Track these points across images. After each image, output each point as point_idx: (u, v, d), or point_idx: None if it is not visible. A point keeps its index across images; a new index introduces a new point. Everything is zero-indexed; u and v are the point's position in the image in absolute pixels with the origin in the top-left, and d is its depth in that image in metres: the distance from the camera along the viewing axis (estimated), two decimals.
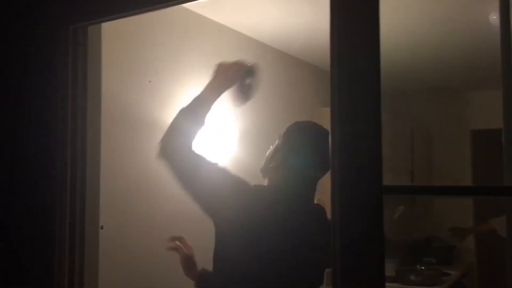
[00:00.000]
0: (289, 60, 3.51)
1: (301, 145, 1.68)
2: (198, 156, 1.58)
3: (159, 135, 2.34)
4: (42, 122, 1.49)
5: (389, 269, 3.50)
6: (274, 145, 1.74)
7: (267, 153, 1.77)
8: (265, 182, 1.73)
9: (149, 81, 2.30)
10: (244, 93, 1.69)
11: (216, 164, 1.60)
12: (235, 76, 1.66)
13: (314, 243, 1.61)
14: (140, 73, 2.28)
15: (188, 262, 1.75)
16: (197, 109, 1.62)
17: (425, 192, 0.84)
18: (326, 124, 4.54)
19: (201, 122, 1.62)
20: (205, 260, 2.58)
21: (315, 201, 1.75)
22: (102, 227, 1.47)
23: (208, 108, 1.63)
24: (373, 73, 0.73)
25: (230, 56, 2.89)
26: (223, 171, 1.61)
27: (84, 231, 1.42)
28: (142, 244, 2.22)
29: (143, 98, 2.28)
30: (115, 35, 2.11)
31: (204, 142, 2.52)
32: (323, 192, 4.25)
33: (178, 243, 1.78)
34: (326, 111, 3.94)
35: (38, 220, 1.47)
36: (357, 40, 0.74)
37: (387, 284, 0.74)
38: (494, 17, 2.61)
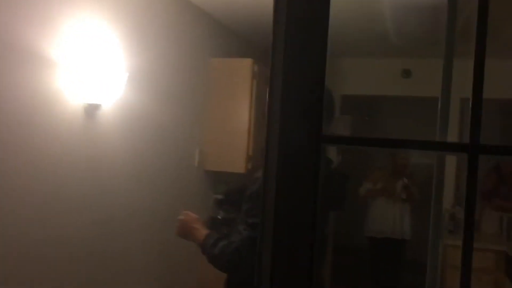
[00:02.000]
0: (182, 4, 3.42)
1: None
2: None
3: (46, 67, 2.18)
4: None
5: None
6: None
7: None
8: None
9: None
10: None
11: None
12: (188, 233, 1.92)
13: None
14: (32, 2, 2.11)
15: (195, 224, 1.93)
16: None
17: (364, 143, 0.84)
18: (214, 75, 4.52)
19: None
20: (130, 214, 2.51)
21: None
22: None
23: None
24: (320, 22, 0.73)
25: None
26: None
27: None
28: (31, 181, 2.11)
29: (32, 27, 2.11)
30: None
31: (88, 81, 2.41)
32: (206, 142, 4.14)
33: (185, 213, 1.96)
34: (214, 61, 3.91)
35: None
36: None
37: None
38: None
